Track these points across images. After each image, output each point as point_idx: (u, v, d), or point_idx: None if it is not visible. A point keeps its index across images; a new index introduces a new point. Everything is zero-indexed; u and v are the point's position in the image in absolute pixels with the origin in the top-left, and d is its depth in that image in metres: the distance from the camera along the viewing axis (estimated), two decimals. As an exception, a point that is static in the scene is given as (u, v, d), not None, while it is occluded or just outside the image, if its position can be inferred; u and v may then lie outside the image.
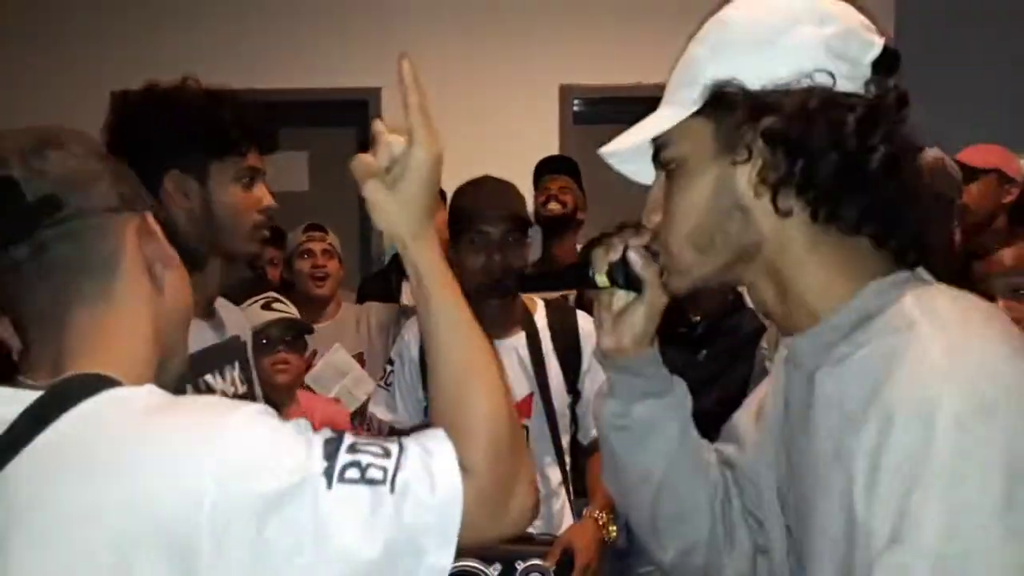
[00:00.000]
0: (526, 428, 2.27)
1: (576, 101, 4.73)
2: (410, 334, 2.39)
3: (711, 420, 2.13)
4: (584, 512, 2.26)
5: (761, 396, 1.16)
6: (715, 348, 2.78)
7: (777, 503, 1.06)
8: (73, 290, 0.93)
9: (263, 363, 2.54)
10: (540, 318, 2.34)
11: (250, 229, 1.63)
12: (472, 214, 2.22)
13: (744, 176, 0.93)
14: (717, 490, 1.18)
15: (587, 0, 4.60)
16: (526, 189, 3.69)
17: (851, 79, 0.91)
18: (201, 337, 1.54)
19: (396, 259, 4.14)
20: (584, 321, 2.37)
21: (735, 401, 1.45)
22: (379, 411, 2.43)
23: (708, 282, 1.02)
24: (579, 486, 2.37)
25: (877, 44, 0.93)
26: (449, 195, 2.73)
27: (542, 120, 4.60)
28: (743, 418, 1.19)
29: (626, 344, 1.14)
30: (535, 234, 3.46)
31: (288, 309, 2.69)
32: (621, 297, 1.15)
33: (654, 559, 1.23)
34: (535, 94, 4.61)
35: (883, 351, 0.86)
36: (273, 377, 2.58)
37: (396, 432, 2.40)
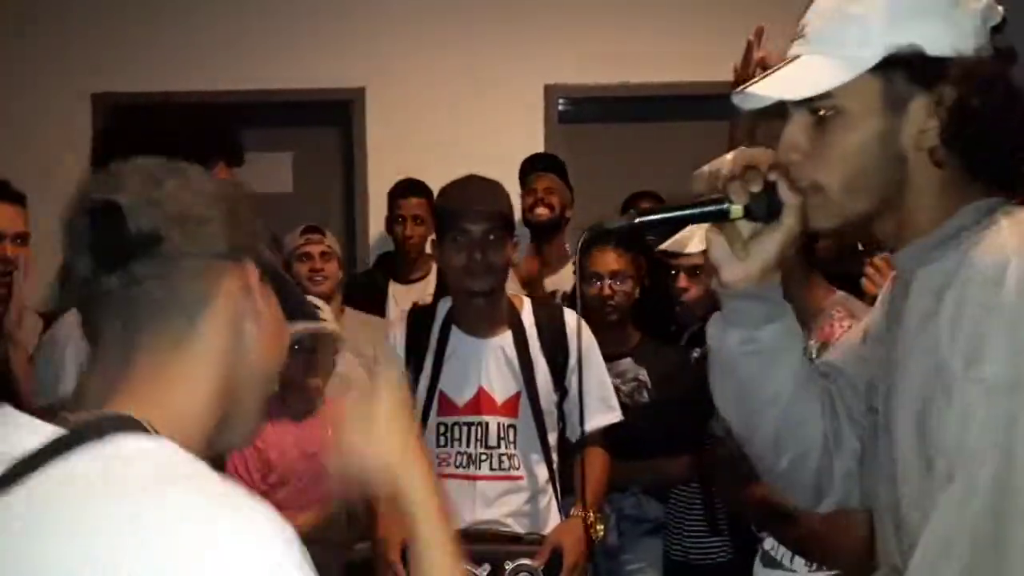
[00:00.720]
0: (513, 427, 2.26)
1: (561, 100, 4.72)
2: (396, 335, 2.38)
3: (705, 418, 2.11)
4: (572, 511, 2.25)
5: (867, 321, 1.29)
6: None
7: (865, 393, 1.21)
8: (149, 329, 0.89)
9: (296, 367, 2.53)
10: (527, 316, 2.34)
11: None
12: (454, 213, 2.22)
13: (910, 131, 1.05)
14: (824, 397, 1.25)
15: (572, 0, 4.60)
16: (512, 188, 3.68)
17: (986, 47, 1.05)
18: None
19: (382, 259, 4.14)
20: (571, 318, 2.36)
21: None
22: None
23: (855, 222, 1.12)
24: (567, 484, 2.36)
25: (1000, 12, 1.07)
26: (435, 193, 2.73)
27: (527, 119, 4.59)
28: (850, 336, 1.33)
29: (755, 272, 1.18)
30: (525, 235, 3.47)
31: (329, 317, 2.67)
32: (747, 227, 1.18)
33: (766, 469, 1.30)
34: (520, 93, 4.60)
35: (968, 245, 1.04)
36: (304, 380, 2.58)
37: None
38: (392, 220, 3.91)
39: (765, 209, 1.16)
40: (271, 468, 2.44)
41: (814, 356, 1.75)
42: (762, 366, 1.22)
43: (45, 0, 4.53)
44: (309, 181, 4.72)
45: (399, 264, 3.93)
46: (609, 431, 2.38)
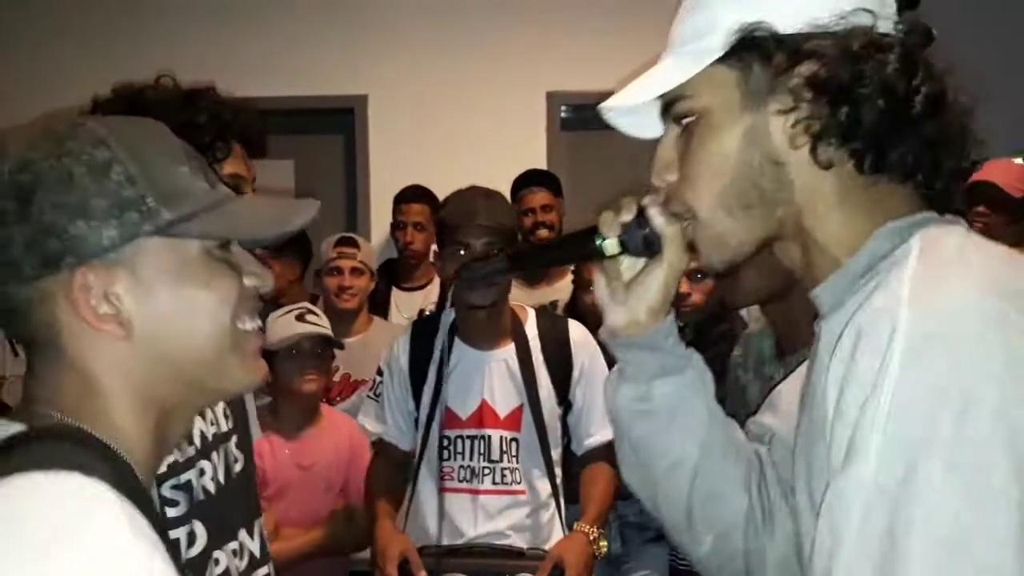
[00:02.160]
0: (516, 440, 2.25)
1: (563, 107, 4.72)
2: (400, 345, 2.37)
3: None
4: (575, 526, 2.24)
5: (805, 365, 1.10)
6: (704, 356, 2.77)
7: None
8: (36, 359, 0.84)
9: (291, 373, 2.54)
10: (530, 328, 2.32)
11: None
12: (455, 226, 2.20)
13: (779, 126, 0.86)
14: (752, 468, 1.08)
15: (573, 7, 4.59)
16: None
17: (884, 19, 0.85)
18: None
19: (384, 267, 4.13)
20: (575, 330, 2.35)
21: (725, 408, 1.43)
22: (368, 422, 2.42)
23: (747, 251, 0.92)
24: (572, 494, 2.34)
25: None
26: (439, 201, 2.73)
27: (529, 127, 4.59)
28: (785, 387, 1.12)
29: (641, 317, 1.03)
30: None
31: (321, 322, 2.66)
32: (631, 265, 1.04)
33: (689, 555, 1.13)
34: (522, 101, 4.60)
35: (873, 284, 0.82)
36: (300, 387, 2.57)
37: (383, 444, 2.39)
38: (395, 225, 3.91)
39: (641, 243, 1.01)
40: (266, 482, 2.43)
41: None
42: (657, 427, 1.06)
43: (50, 8, 4.53)
44: (311, 188, 4.72)
45: (402, 271, 3.93)
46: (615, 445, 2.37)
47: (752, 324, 2.02)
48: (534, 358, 2.28)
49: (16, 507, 0.69)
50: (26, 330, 0.83)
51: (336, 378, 3.15)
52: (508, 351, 2.28)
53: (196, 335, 0.85)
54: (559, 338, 2.31)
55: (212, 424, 1.43)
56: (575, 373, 2.30)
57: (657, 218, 0.99)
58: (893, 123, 0.84)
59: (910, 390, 0.72)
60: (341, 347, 2.76)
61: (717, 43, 0.87)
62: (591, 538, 2.19)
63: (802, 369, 1.06)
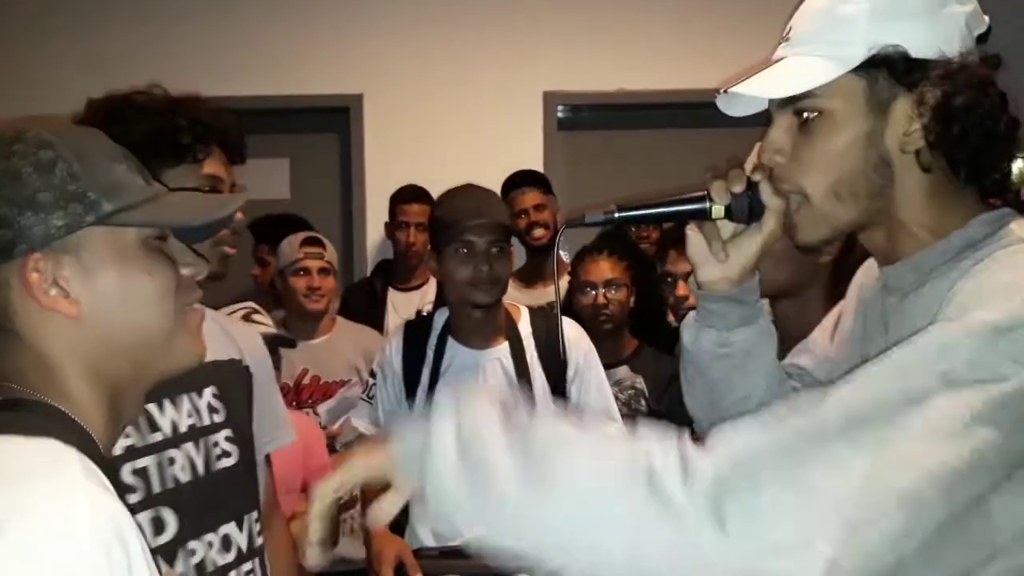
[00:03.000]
0: None
1: (560, 107, 4.71)
2: (393, 347, 2.35)
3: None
4: None
5: (836, 317, 1.26)
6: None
7: None
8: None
9: None
10: (524, 326, 2.31)
11: (209, 246, 1.48)
12: (457, 224, 2.18)
13: (895, 133, 1.03)
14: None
15: (570, 7, 4.58)
16: (509, 196, 3.68)
17: (973, 53, 1.03)
18: None
19: (380, 267, 4.11)
20: (570, 328, 2.34)
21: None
22: (362, 424, 2.39)
23: (842, 232, 1.09)
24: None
25: (985, 20, 1.06)
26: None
27: (526, 126, 4.58)
28: (818, 335, 1.30)
29: (734, 274, 1.17)
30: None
31: (266, 321, 2.64)
32: (728, 228, 1.17)
33: None
34: (519, 101, 4.59)
35: (978, 262, 0.98)
36: None
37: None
38: (394, 226, 3.88)
39: (746, 211, 1.14)
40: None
41: None
42: (734, 369, 1.21)
43: (46, 8, 4.52)
44: (306, 188, 4.71)
45: (398, 271, 3.91)
46: (686, 385, 2.35)
47: None
48: (528, 356, 2.27)
49: None
50: None
51: (305, 380, 3.12)
52: (502, 350, 2.27)
53: (139, 316, 0.94)
54: (552, 336, 2.30)
55: (190, 416, 1.46)
56: (570, 371, 2.29)
57: (767, 192, 1.12)
58: (989, 142, 1.02)
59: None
60: (292, 345, 2.73)
61: (855, 55, 1.03)
62: None
63: (827, 322, 1.29)
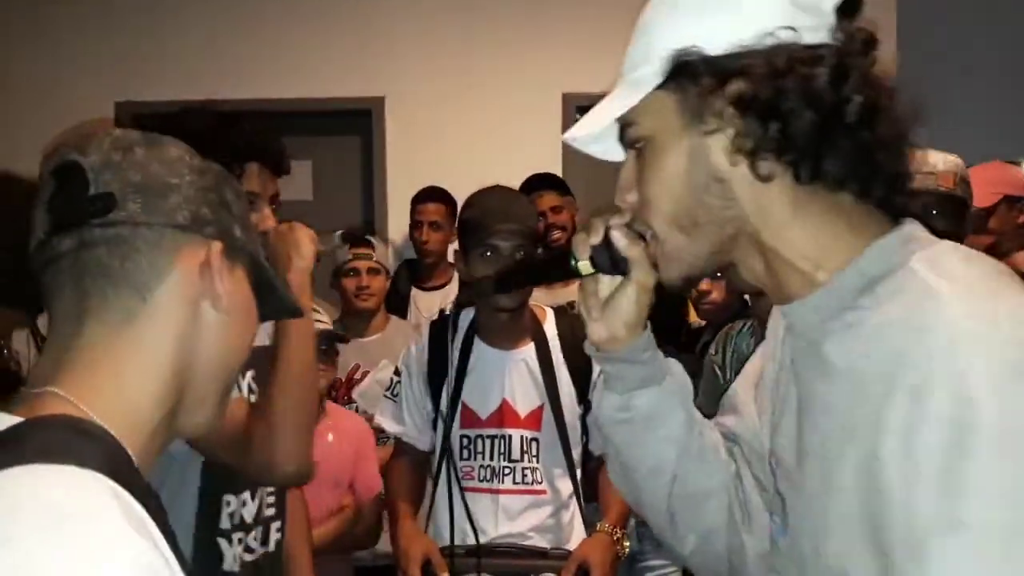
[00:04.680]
0: (536, 440, 2.25)
1: (579, 108, 4.72)
2: (418, 345, 2.37)
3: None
4: (598, 526, 2.24)
5: (757, 365, 1.12)
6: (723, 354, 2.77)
7: (769, 468, 1.03)
8: (99, 299, 0.85)
9: None
10: (549, 327, 2.32)
11: None
12: (482, 227, 2.18)
13: (717, 146, 0.89)
14: (728, 468, 1.13)
15: (588, 8, 4.59)
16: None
17: (815, 29, 0.87)
18: None
19: (404, 267, 4.14)
20: None
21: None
22: (386, 423, 2.41)
23: (702, 266, 0.97)
24: (589, 492, 2.34)
25: None
26: (458, 202, 2.73)
27: (545, 128, 4.59)
28: (740, 387, 1.15)
29: (619, 332, 1.08)
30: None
31: (323, 318, 2.68)
32: (607, 283, 1.08)
33: (673, 553, 1.19)
34: (538, 102, 4.60)
35: (903, 320, 0.82)
36: None
37: (402, 444, 2.39)
38: (412, 225, 3.94)
39: (608, 262, 1.05)
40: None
41: None
42: (636, 435, 1.11)
43: (70, 10, 4.57)
44: (329, 189, 4.74)
45: (421, 271, 3.95)
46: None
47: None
48: (554, 358, 2.28)
49: (10, 497, 0.70)
50: (128, 263, 0.85)
51: (357, 375, 3.19)
52: (528, 351, 2.28)
53: (245, 341, 0.95)
54: (579, 338, 2.30)
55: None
56: (595, 373, 2.29)
57: (620, 240, 1.03)
58: (824, 132, 0.86)
59: (1011, 424, 0.74)
60: (345, 340, 2.78)
61: (652, 71, 0.91)
62: (614, 538, 2.19)
63: (750, 369, 1.14)
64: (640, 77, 0.93)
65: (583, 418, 2.31)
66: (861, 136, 0.87)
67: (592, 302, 1.10)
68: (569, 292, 3.59)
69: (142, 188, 0.86)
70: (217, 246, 0.89)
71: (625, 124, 0.95)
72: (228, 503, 1.62)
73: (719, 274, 2.71)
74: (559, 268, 1.11)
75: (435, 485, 2.29)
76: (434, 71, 4.59)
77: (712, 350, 1.92)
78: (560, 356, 2.29)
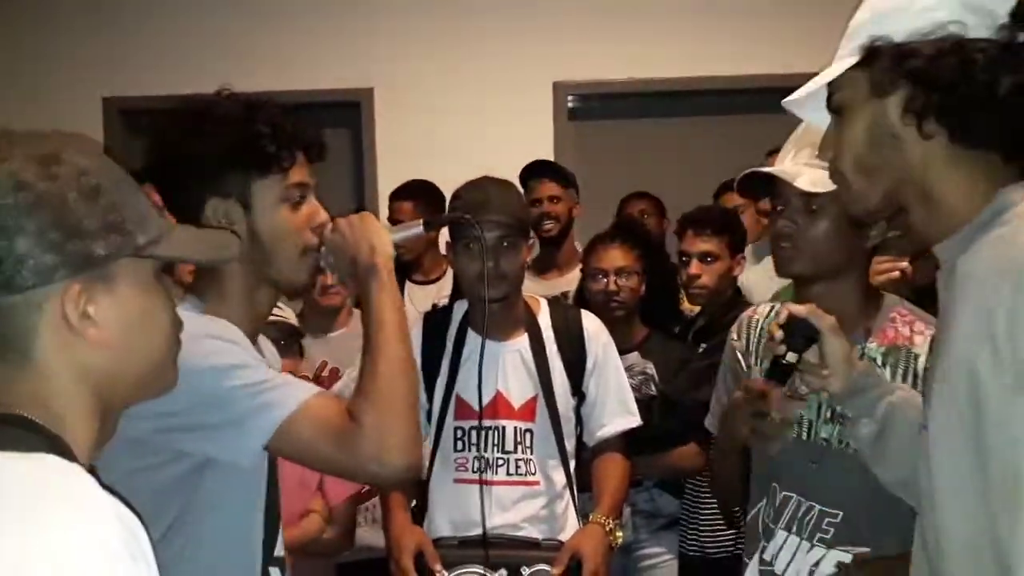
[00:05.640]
0: (530, 431, 2.24)
1: (570, 97, 4.71)
2: (411, 339, 2.35)
3: (707, 411, 2.11)
4: (590, 517, 2.24)
5: None
6: (715, 342, 2.77)
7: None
8: None
9: None
10: (543, 318, 2.31)
11: (299, 254, 1.48)
12: (469, 220, 2.12)
13: (894, 110, 1.16)
14: None
15: (579, -4, 4.59)
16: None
17: (986, 28, 1.12)
18: None
19: (396, 260, 4.12)
20: (588, 321, 2.34)
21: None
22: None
23: (878, 205, 1.24)
24: (583, 482, 2.34)
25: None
26: (446, 194, 2.71)
27: (536, 117, 4.59)
28: None
29: (848, 375, 1.48)
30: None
31: (284, 313, 2.65)
32: (813, 353, 1.50)
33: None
34: (529, 91, 4.59)
35: (1011, 233, 1.10)
36: None
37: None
38: (390, 222, 3.91)
39: (802, 340, 1.48)
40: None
41: (876, 360, 1.71)
42: (888, 443, 1.47)
43: (56, 5, 4.54)
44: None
45: (414, 265, 3.93)
46: (627, 435, 2.37)
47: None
48: (548, 349, 2.27)
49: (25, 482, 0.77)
50: None
51: (324, 373, 3.14)
52: (522, 341, 2.27)
53: (154, 344, 0.98)
54: (572, 329, 2.30)
55: None
56: (589, 364, 2.29)
57: (800, 315, 1.50)
58: (975, 103, 1.12)
59: None
60: (302, 335, 2.74)
61: (855, 51, 1.19)
62: (607, 529, 2.19)
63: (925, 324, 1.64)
64: (843, 56, 1.21)
65: (577, 409, 2.31)
66: (1012, 109, 1.12)
67: (814, 371, 1.50)
68: (562, 283, 3.59)
69: None
70: (73, 290, 0.89)
71: (832, 93, 1.24)
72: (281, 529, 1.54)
73: (708, 259, 2.77)
74: (782, 372, 1.52)
75: (428, 477, 2.28)
76: (423, 61, 4.57)
77: (733, 335, 1.94)
78: (554, 347, 2.28)
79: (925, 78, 1.13)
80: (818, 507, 1.72)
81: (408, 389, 1.40)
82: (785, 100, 1.29)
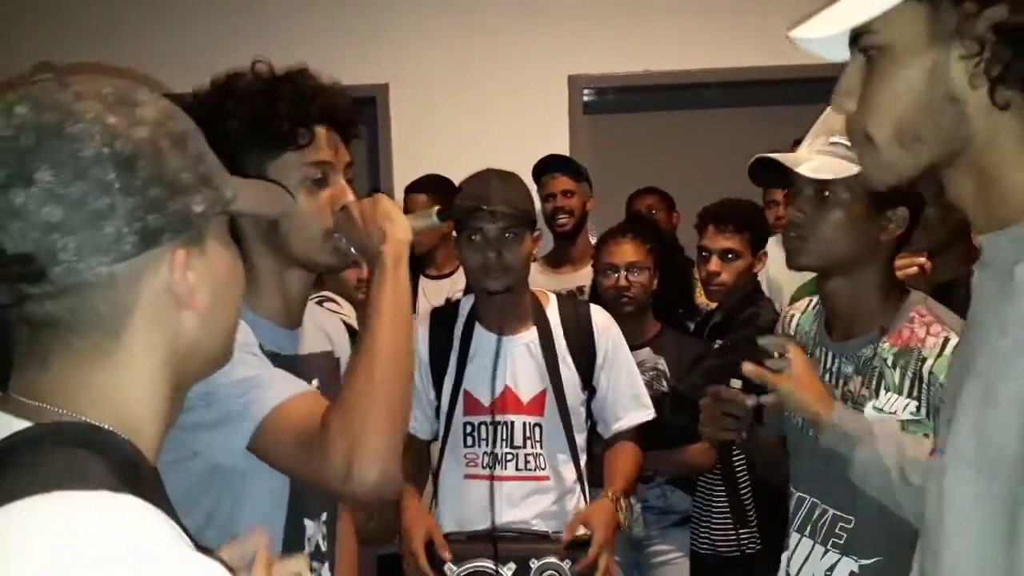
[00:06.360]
0: (539, 426, 2.23)
1: (585, 91, 4.69)
2: (419, 335, 2.33)
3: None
4: (602, 494, 2.23)
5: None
6: (731, 338, 2.75)
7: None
8: (59, 348, 0.75)
9: None
10: (552, 312, 2.29)
11: (321, 236, 1.38)
12: (469, 211, 2.14)
13: (961, 66, 0.89)
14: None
15: (594, -10, 4.57)
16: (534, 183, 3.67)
17: None
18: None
19: (411, 255, 4.11)
20: (598, 315, 2.33)
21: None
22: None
23: (908, 178, 0.98)
24: (597, 479, 2.33)
25: None
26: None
27: (552, 111, 4.57)
28: None
29: (822, 410, 1.57)
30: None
31: (341, 310, 2.65)
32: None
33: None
34: (544, 85, 4.57)
35: None
36: None
37: (410, 438, 2.37)
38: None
39: (760, 388, 1.65)
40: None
41: (887, 360, 1.63)
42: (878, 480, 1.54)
43: (58, 7, 4.56)
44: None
45: (428, 259, 3.92)
46: (641, 428, 2.36)
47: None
48: (556, 343, 2.25)
49: (62, 531, 0.63)
50: (83, 312, 0.75)
51: None
52: (531, 335, 2.26)
53: (234, 307, 0.86)
54: (582, 323, 2.29)
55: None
56: (599, 358, 2.28)
57: (750, 373, 1.65)
58: None
59: None
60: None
61: None
62: (619, 507, 2.19)
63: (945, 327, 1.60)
64: None
65: (588, 403, 2.30)
66: None
67: (775, 414, 1.72)
68: (576, 277, 3.58)
69: (65, 228, 0.71)
70: (179, 255, 0.77)
71: (864, 30, 0.94)
72: (307, 527, 1.44)
73: (728, 256, 2.74)
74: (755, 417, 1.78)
75: (437, 474, 2.28)
76: (438, 57, 4.56)
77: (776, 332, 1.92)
78: (563, 341, 2.26)
79: (1017, 33, 0.86)
80: (832, 511, 1.68)
81: (393, 392, 1.22)
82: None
